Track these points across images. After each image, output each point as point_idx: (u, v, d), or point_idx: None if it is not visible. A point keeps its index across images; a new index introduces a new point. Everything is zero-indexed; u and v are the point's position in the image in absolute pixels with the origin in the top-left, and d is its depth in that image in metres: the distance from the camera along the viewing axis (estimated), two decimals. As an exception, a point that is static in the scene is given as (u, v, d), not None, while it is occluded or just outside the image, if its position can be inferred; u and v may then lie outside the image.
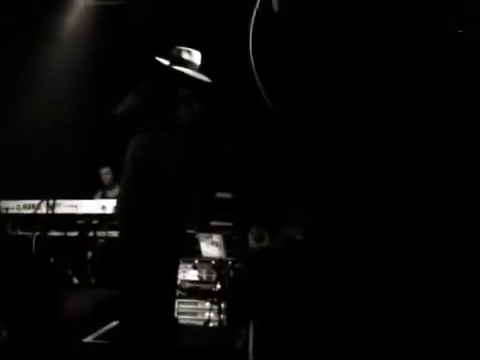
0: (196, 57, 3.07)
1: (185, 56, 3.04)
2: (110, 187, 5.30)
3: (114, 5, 5.20)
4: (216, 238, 4.24)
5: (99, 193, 5.31)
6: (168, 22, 4.72)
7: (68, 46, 5.41)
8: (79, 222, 4.64)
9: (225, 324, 3.78)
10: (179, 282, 3.87)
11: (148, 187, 2.89)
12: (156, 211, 2.90)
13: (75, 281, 4.54)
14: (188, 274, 4.05)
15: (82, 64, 5.23)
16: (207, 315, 3.90)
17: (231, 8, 4.74)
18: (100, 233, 4.56)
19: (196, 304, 3.96)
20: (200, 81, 3.05)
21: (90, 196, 5.10)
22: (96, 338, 3.01)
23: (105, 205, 4.46)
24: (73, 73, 5.20)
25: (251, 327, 3.31)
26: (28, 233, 4.47)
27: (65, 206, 4.52)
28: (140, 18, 4.93)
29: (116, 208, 3.06)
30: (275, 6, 3.26)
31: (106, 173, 5.30)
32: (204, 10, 4.92)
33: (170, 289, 3.03)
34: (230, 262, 4.10)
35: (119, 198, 3.00)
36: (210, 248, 4.23)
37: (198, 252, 4.24)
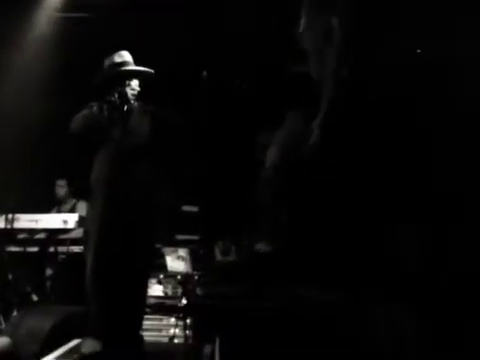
0: (127, 56, 3.10)
1: (117, 59, 3.07)
2: (64, 201, 5.17)
3: (78, 17, 5.15)
4: (182, 252, 4.19)
5: (55, 208, 5.17)
6: (133, 34, 4.70)
7: (30, 57, 5.30)
8: (39, 237, 4.50)
9: (191, 340, 3.71)
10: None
11: (121, 203, 2.88)
12: (130, 226, 2.88)
13: (34, 298, 4.39)
14: (153, 289, 3.97)
15: (44, 75, 5.13)
16: (172, 331, 3.83)
17: (194, 22, 4.77)
18: (61, 248, 4.43)
19: (161, 320, 3.88)
20: (146, 77, 3.07)
21: (47, 211, 4.95)
22: (57, 357, 2.90)
23: (67, 220, 4.34)
24: (33, 84, 5.09)
25: (217, 343, 3.25)
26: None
27: (25, 220, 4.38)
28: (105, 30, 4.89)
29: (87, 223, 3.01)
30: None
31: (61, 186, 5.17)
32: (170, 23, 4.92)
33: (140, 305, 3.01)
34: (196, 276, 4.04)
35: (91, 214, 2.97)
36: (176, 262, 4.17)
37: (163, 266, 4.17)
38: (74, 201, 5.13)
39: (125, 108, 3.02)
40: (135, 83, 3.05)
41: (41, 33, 5.30)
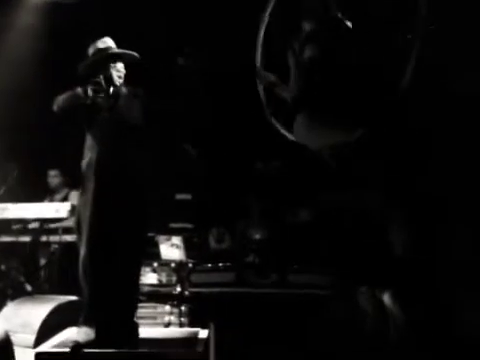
0: (110, 41, 3.10)
1: (101, 45, 3.06)
2: (57, 191, 5.11)
3: (67, 3, 5.07)
4: (176, 240, 4.19)
5: (48, 198, 5.13)
6: (122, 20, 4.65)
7: (18, 44, 5.22)
8: (31, 226, 4.47)
9: (186, 327, 3.72)
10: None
11: (113, 188, 2.86)
12: (122, 212, 2.88)
13: (28, 288, 4.37)
14: (147, 278, 3.97)
15: (32, 63, 5.06)
16: (167, 319, 3.83)
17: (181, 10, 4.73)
18: (54, 238, 4.40)
19: (156, 308, 3.88)
20: (131, 61, 3.06)
21: (39, 200, 4.91)
22: (52, 347, 2.89)
23: (58, 209, 4.31)
24: (22, 71, 5.02)
25: (212, 329, 3.26)
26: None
27: (16, 210, 4.34)
28: (94, 15, 4.83)
29: (79, 210, 2.99)
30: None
31: (54, 176, 5.13)
32: (159, 10, 4.87)
33: (134, 293, 3.00)
34: (190, 264, 4.04)
35: (82, 201, 2.95)
36: (170, 250, 4.17)
37: (157, 255, 4.16)
38: (67, 190, 5.10)
39: (111, 89, 2.99)
40: (120, 66, 3.04)
41: (27, 20, 5.22)
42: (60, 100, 2.98)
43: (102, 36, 3.12)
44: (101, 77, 3.00)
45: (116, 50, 3.06)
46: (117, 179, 2.91)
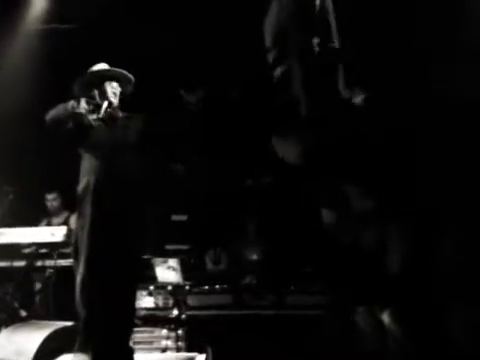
0: (104, 64, 3.16)
1: (95, 68, 3.13)
2: (56, 214, 5.07)
3: (62, 29, 5.13)
4: (172, 262, 4.15)
5: (44, 221, 5.09)
6: (120, 45, 4.70)
7: (17, 68, 5.26)
8: (26, 251, 4.43)
9: (183, 351, 3.67)
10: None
11: (112, 215, 2.85)
12: (122, 238, 2.85)
13: (23, 314, 4.31)
14: (143, 301, 3.92)
15: (30, 86, 5.09)
16: (164, 343, 3.78)
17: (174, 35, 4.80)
18: (49, 262, 4.36)
19: (152, 332, 3.83)
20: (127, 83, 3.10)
21: (35, 224, 4.87)
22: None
23: (54, 233, 4.28)
24: (20, 95, 5.05)
25: (209, 354, 3.22)
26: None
27: (11, 235, 4.31)
28: (92, 40, 4.88)
29: (76, 233, 2.97)
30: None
31: (53, 199, 5.09)
32: (158, 34, 4.93)
33: (130, 317, 2.97)
34: (187, 287, 4.01)
35: (79, 224, 2.93)
36: (166, 273, 4.13)
37: (153, 278, 4.13)
38: (67, 213, 5.04)
39: (105, 105, 3.01)
40: (115, 84, 3.09)
41: (24, 45, 5.27)
42: (53, 111, 3.01)
43: (99, 60, 3.18)
44: (96, 92, 3.04)
45: (110, 69, 3.12)
46: (114, 203, 2.90)
